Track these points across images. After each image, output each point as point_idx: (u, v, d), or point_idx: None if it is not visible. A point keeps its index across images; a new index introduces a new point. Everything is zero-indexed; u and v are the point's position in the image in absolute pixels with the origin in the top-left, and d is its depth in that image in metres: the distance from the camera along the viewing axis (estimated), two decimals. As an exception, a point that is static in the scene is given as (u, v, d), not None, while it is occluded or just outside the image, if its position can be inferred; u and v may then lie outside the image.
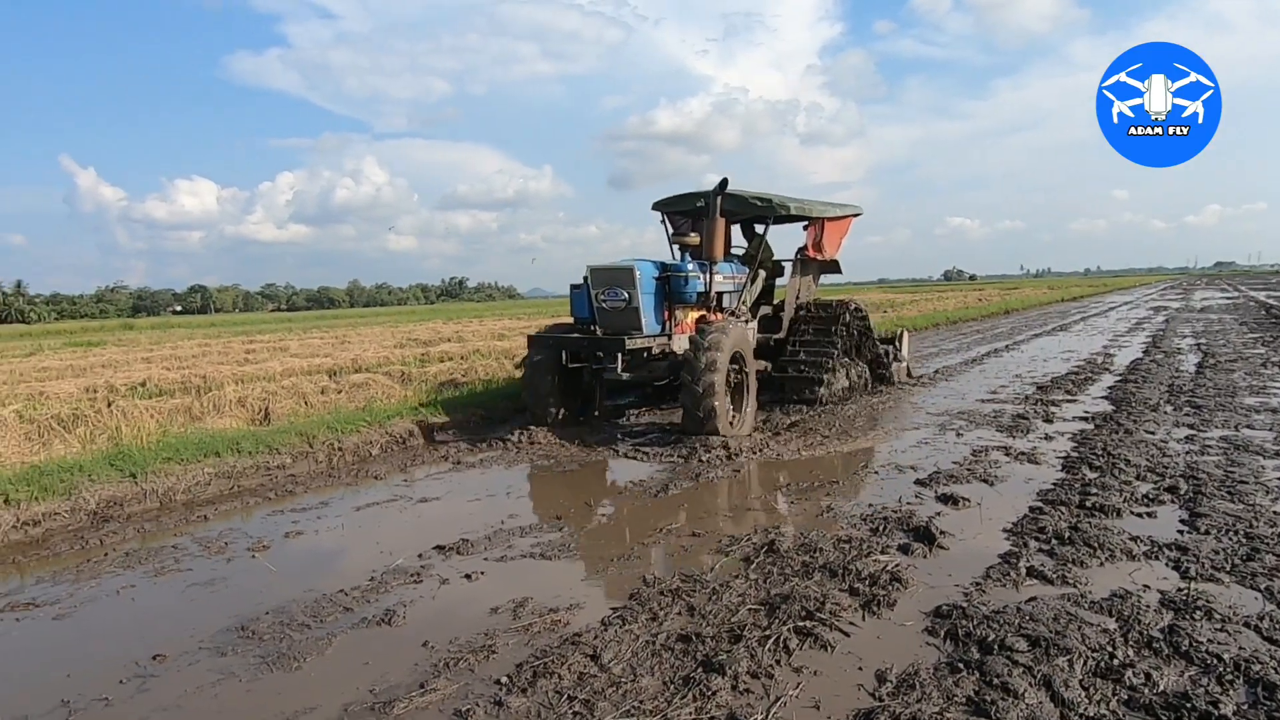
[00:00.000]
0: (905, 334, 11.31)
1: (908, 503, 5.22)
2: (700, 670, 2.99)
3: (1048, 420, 8.02)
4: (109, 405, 7.69)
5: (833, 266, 10.18)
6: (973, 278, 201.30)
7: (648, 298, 7.76)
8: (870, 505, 5.20)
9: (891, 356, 10.60)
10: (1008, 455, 6.51)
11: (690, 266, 8.06)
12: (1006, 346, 16.69)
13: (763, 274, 9.69)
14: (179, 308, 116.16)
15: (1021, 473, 5.96)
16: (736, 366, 7.69)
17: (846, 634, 3.30)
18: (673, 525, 4.96)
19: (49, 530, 5.27)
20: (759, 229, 9.74)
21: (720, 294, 8.66)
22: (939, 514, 4.93)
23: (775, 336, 9.45)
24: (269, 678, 3.13)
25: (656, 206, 9.49)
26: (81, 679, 3.16)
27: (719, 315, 8.49)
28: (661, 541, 4.67)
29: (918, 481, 5.76)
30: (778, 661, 3.06)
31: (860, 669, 3.01)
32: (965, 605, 3.49)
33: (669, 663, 3.09)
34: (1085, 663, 2.95)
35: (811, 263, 9.81)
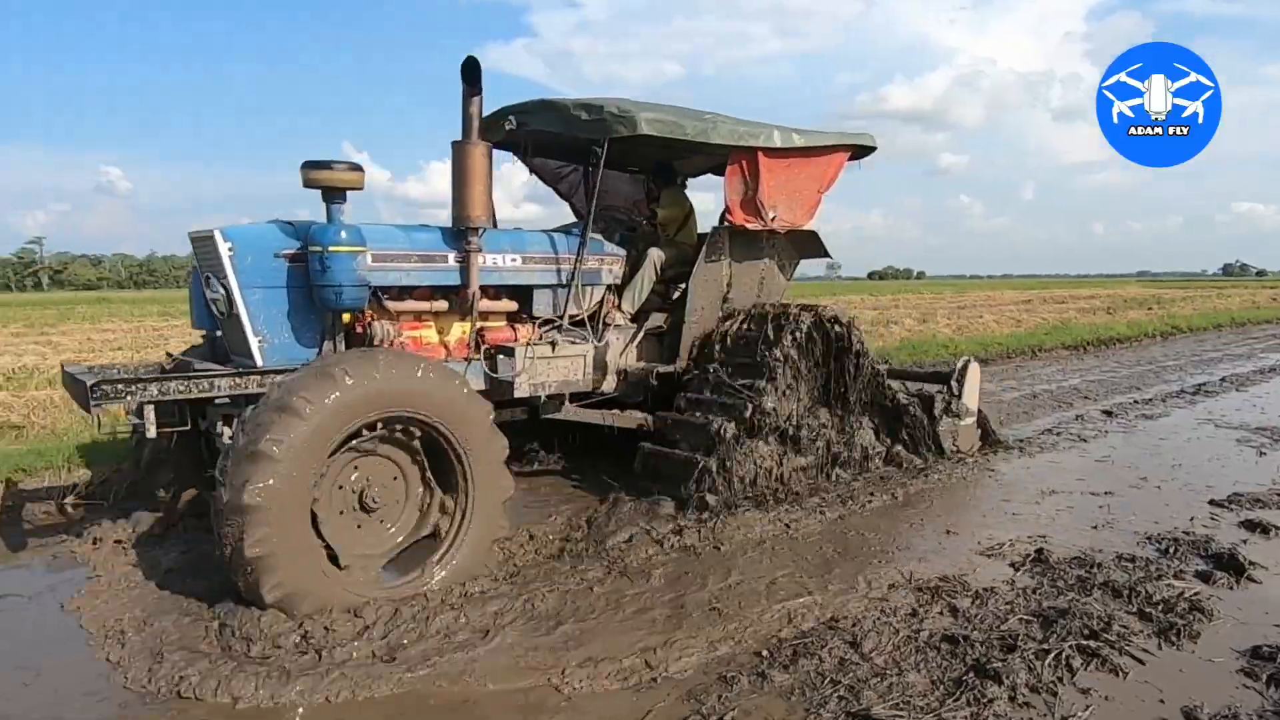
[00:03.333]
0: (972, 366, 6.27)
1: (1202, 526, 4.60)
2: (972, 674, 2.85)
3: (1384, 445, 6.70)
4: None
5: (807, 244, 5.85)
6: (1261, 273, 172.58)
7: (261, 295, 3.83)
8: (1156, 523, 4.65)
9: (940, 408, 5.98)
10: (1331, 482, 5.52)
11: (343, 235, 3.78)
12: (1316, 355, 14.12)
13: (656, 257, 5.34)
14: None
15: (1353, 504, 5.04)
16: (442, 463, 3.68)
17: (1140, 661, 2.98)
18: None
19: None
20: (676, 178, 6.22)
21: (516, 290, 4.73)
22: (1244, 541, 4.30)
23: (660, 369, 5.25)
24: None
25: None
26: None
27: (522, 330, 4.71)
28: None
29: (1213, 502, 5.05)
30: (1060, 679, 2.84)
31: (1161, 701, 2.72)
32: (1293, 649, 3.02)
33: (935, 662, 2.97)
34: None
35: (746, 237, 5.45)
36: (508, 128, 5.04)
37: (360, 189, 3.91)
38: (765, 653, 3.04)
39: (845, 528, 4.58)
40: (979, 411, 6.40)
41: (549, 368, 4.70)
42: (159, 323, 20.41)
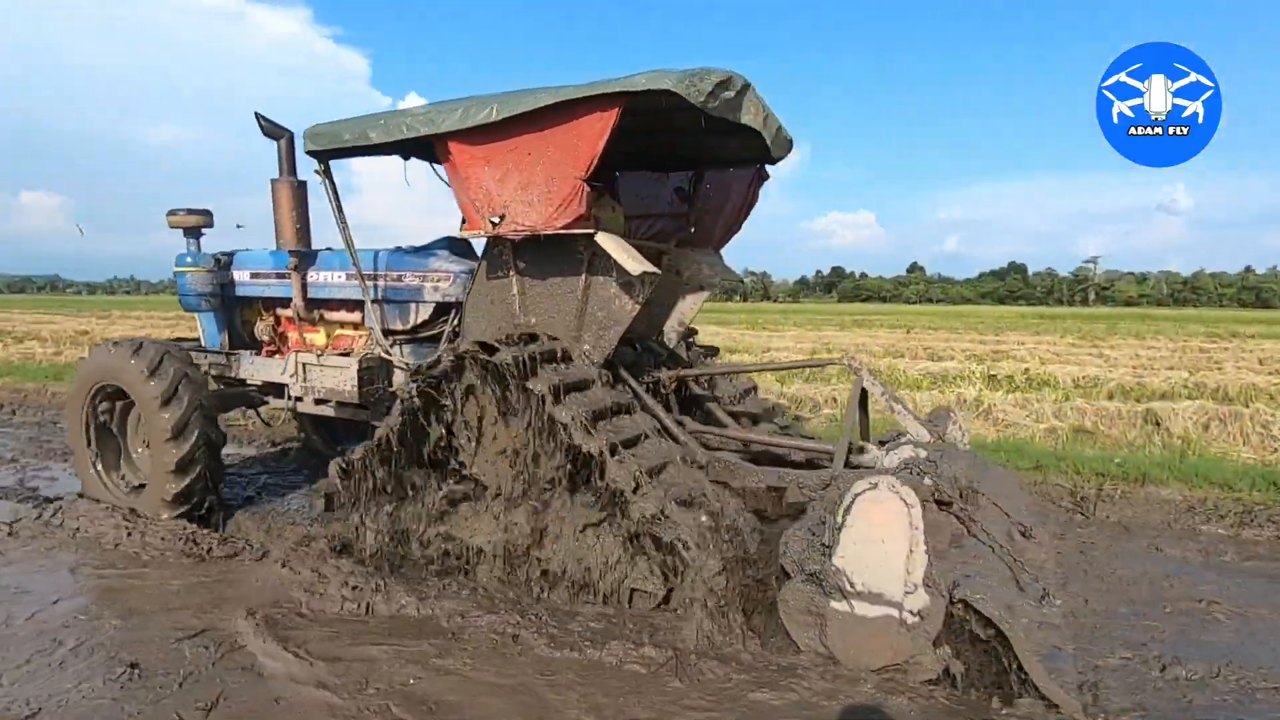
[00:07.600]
0: (871, 501, 3.13)
1: None
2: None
3: None
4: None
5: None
6: None
7: (197, 301, 5.94)
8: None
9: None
10: None
11: (188, 260, 5.76)
12: None
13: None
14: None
15: None
16: None
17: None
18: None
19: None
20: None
21: (348, 304, 5.44)
22: None
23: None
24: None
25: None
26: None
27: (359, 340, 5.42)
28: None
29: None
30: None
31: None
32: None
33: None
34: None
35: (541, 247, 4.18)
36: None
37: (209, 226, 5.69)
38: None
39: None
40: (948, 599, 3.05)
41: (320, 375, 5.20)
42: (1205, 343, 19.04)
